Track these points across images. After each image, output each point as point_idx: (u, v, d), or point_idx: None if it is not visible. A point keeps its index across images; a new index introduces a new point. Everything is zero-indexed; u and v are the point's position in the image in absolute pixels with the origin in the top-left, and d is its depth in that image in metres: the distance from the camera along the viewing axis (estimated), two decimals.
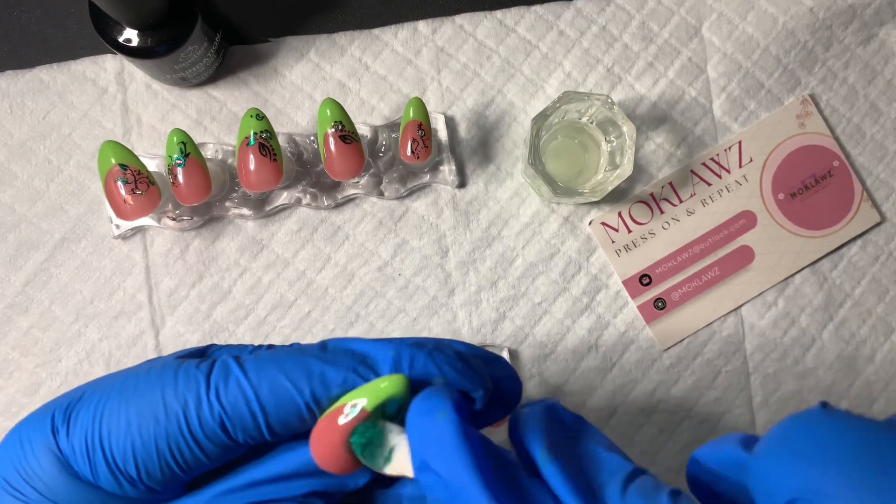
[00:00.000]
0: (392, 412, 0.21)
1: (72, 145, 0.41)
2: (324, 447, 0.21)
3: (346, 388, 0.21)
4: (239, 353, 0.24)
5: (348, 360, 0.22)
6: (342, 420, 0.20)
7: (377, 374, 0.22)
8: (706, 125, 0.43)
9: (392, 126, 0.41)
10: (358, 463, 0.21)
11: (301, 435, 0.22)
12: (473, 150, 0.42)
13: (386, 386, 0.21)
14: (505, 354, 0.41)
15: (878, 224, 0.43)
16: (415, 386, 0.21)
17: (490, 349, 0.41)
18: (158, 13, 0.35)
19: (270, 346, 0.25)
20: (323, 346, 0.23)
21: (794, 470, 0.19)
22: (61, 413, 0.22)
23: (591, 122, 0.41)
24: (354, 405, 0.20)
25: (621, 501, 0.20)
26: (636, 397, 0.42)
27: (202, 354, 0.25)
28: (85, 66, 0.41)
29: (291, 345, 0.25)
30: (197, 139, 0.41)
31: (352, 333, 0.41)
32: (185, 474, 0.22)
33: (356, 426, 0.20)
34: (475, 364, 0.23)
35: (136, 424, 0.21)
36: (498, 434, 0.41)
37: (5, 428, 0.40)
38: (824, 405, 0.20)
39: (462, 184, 0.42)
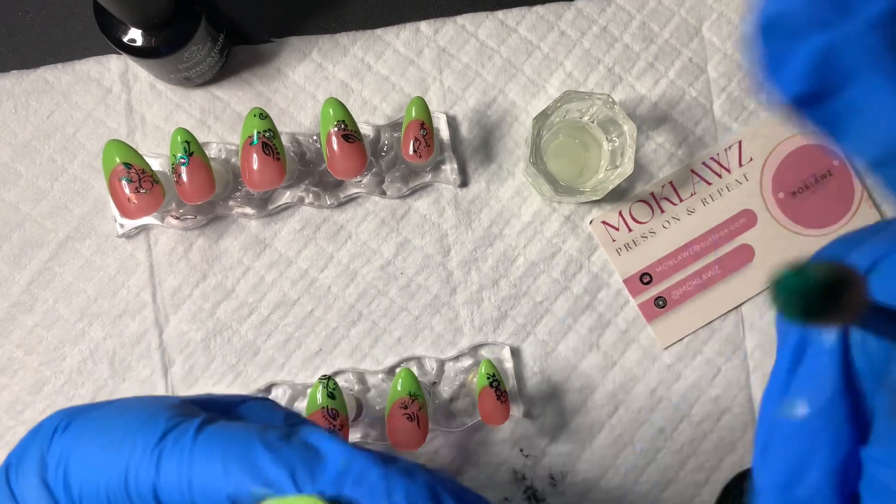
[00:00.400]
0: None
1: (76, 145, 0.41)
2: None
3: (271, 492, 0.19)
4: (267, 419, 0.22)
5: (295, 456, 0.20)
6: None
7: (311, 482, 0.19)
8: (706, 125, 0.43)
9: (394, 125, 0.41)
10: None
11: None
12: (475, 149, 0.42)
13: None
14: (506, 353, 0.41)
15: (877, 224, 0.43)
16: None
17: (491, 347, 0.41)
18: (163, 13, 0.35)
19: (300, 419, 0.23)
20: (291, 427, 0.22)
21: None
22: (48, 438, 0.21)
23: (593, 122, 0.41)
24: None
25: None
26: (637, 395, 0.42)
27: (237, 405, 0.24)
28: (89, 66, 0.41)
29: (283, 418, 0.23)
30: (201, 138, 0.41)
31: (354, 332, 0.41)
32: None
33: None
34: None
35: (99, 461, 0.20)
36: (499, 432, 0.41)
37: (10, 426, 0.40)
38: None
39: (464, 183, 0.42)
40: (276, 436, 0.21)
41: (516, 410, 0.40)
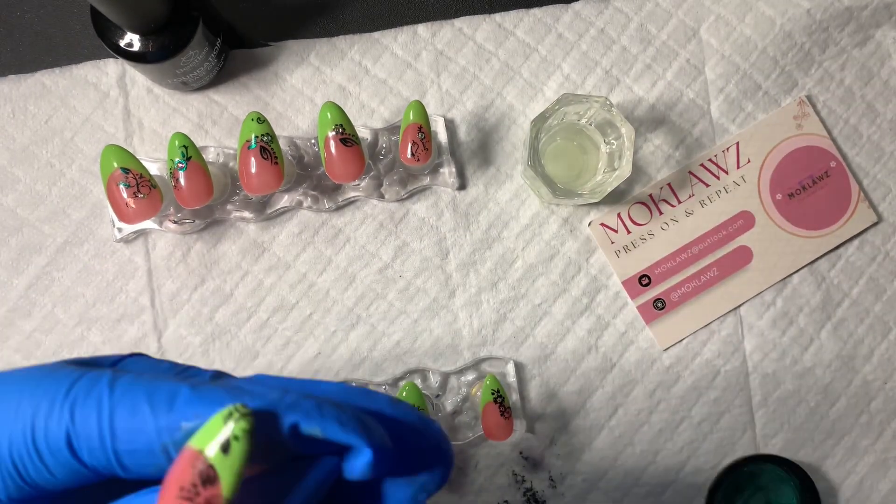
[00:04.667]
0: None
1: (74, 149, 0.41)
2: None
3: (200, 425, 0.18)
4: (150, 369, 0.21)
5: (223, 393, 0.19)
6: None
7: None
8: (704, 127, 0.43)
9: (392, 129, 0.41)
10: None
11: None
12: (473, 152, 0.42)
13: (217, 422, 0.17)
14: (510, 367, 0.41)
15: (875, 224, 0.43)
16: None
17: (494, 361, 0.41)
18: (160, 18, 0.35)
19: (197, 371, 0.23)
20: (218, 376, 0.21)
21: None
22: None
23: (590, 124, 0.41)
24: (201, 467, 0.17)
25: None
26: (636, 397, 0.42)
27: (121, 359, 0.23)
28: (87, 71, 0.41)
29: (220, 375, 0.22)
30: (198, 143, 0.41)
31: (353, 335, 0.41)
32: (34, 490, 0.19)
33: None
34: (368, 421, 0.19)
35: None
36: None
37: None
38: None
39: (462, 186, 0.42)
40: (201, 381, 0.20)
41: (519, 426, 0.40)
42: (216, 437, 0.17)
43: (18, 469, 0.19)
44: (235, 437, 0.17)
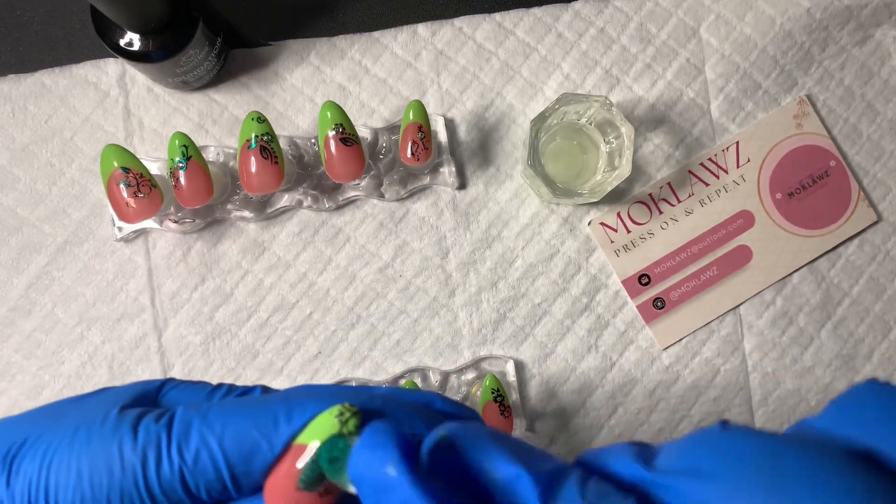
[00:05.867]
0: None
1: (74, 149, 0.41)
2: (279, 494, 0.20)
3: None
4: (195, 398, 0.23)
5: (312, 403, 0.21)
6: (300, 463, 0.19)
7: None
8: (704, 126, 0.43)
9: (392, 128, 0.41)
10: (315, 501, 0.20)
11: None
12: (473, 151, 0.42)
13: (329, 422, 0.19)
14: (510, 367, 0.41)
15: (874, 223, 0.43)
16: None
17: (494, 360, 0.41)
18: (160, 18, 0.35)
19: (230, 388, 0.24)
20: (284, 393, 0.22)
21: (691, 487, 0.18)
22: (1, 458, 0.21)
23: (590, 124, 0.41)
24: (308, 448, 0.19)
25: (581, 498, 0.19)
26: (636, 396, 0.42)
27: (157, 391, 0.24)
28: (87, 70, 0.41)
29: (251, 391, 0.24)
30: (198, 142, 0.41)
31: (353, 335, 0.41)
32: None
33: (310, 465, 0.19)
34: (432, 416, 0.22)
35: (88, 477, 0.20)
36: None
37: None
38: (724, 423, 0.19)
39: (462, 185, 0.42)
40: (279, 396, 0.21)
41: (519, 425, 0.40)
42: (327, 431, 0.19)
43: None
44: (349, 432, 0.19)
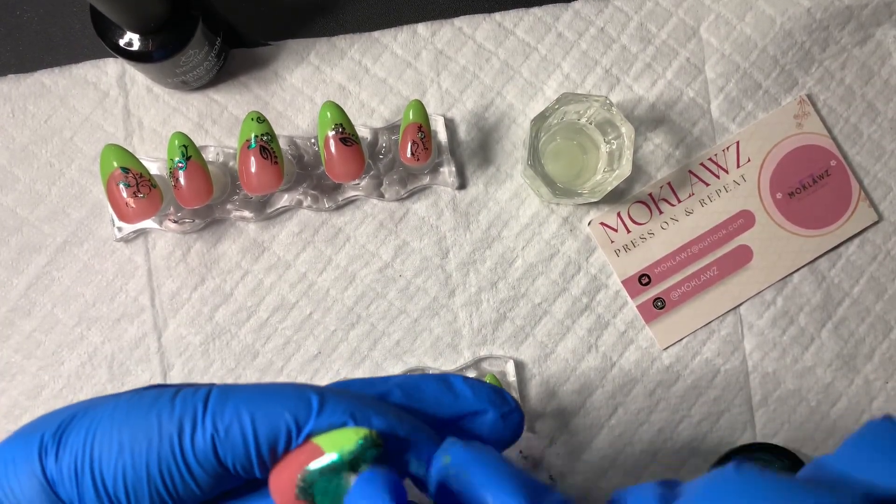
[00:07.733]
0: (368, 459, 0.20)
1: (73, 149, 0.41)
2: (282, 483, 0.20)
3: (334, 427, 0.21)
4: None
5: (351, 402, 0.21)
6: (309, 465, 0.20)
7: (368, 423, 0.21)
8: (704, 126, 0.43)
9: (392, 128, 0.41)
10: None
11: None
12: (473, 151, 0.42)
13: (352, 441, 0.20)
14: (510, 367, 0.41)
15: (875, 223, 0.43)
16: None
17: (494, 360, 0.41)
18: (159, 18, 0.35)
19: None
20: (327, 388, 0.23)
21: None
22: (51, 434, 0.21)
23: (590, 124, 0.41)
24: (326, 456, 0.20)
25: None
26: (636, 396, 0.42)
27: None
28: (86, 70, 0.41)
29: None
30: (198, 142, 0.41)
31: (353, 335, 0.41)
32: None
33: (318, 473, 0.20)
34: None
35: (129, 447, 0.20)
36: None
37: (8, 431, 0.40)
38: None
39: (462, 185, 0.42)
40: (315, 386, 0.22)
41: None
42: (344, 446, 0.20)
43: (167, 484, 0.21)
44: (364, 460, 0.19)
